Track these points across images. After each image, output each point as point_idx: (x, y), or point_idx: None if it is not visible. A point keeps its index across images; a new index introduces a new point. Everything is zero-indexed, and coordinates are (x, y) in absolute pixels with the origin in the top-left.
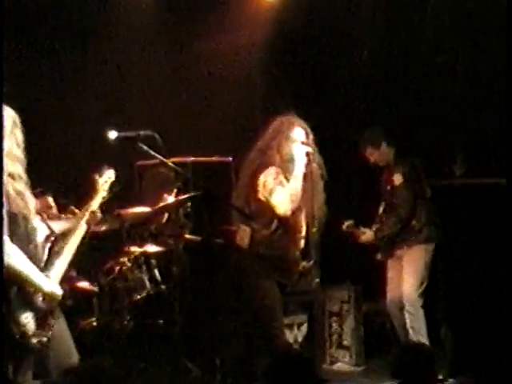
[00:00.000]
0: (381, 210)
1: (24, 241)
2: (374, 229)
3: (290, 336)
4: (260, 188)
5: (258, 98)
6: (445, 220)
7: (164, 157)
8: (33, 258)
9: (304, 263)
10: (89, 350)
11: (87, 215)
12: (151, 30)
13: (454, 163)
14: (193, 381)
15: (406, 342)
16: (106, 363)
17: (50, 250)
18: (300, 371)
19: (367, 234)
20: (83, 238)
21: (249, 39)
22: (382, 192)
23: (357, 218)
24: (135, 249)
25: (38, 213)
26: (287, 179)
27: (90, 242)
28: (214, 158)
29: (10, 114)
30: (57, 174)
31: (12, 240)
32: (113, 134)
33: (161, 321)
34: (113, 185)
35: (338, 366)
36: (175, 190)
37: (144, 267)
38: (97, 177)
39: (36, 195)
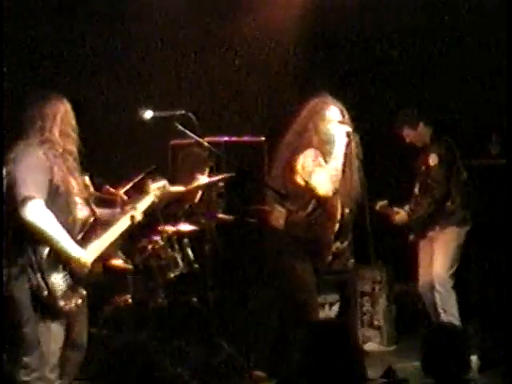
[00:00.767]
0: (416, 190)
1: (63, 212)
2: (407, 209)
3: (321, 315)
4: (299, 170)
5: (292, 77)
6: (480, 202)
7: (199, 136)
8: (71, 229)
9: (338, 244)
10: (124, 326)
11: (131, 213)
12: (184, 9)
13: (490, 143)
14: (226, 358)
15: (435, 324)
16: (145, 341)
17: (90, 228)
18: (338, 337)
19: (401, 215)
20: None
21: (283, 19)
22: (417, 172)
23: (392, 198)
24: (168, 228)
25: (83, 196)
26: (326, 160)
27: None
28: (246, 138)
29: (60, 99)
30: (93, 153)
31: (51, 209)
32: (148, 114)
33: (194, 299)
34: (164, 195)
35: (369, 345)
36: (208, 170)
37: (177, 246)
38: (150, 181)
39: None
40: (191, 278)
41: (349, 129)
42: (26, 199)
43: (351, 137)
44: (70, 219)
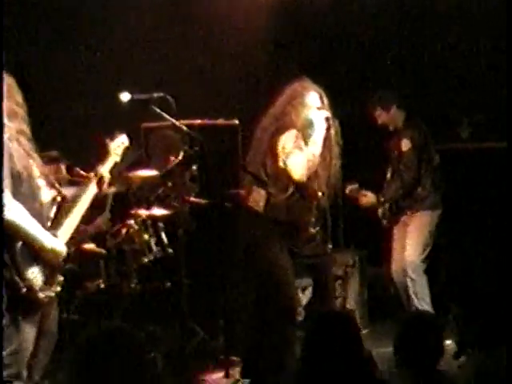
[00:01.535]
0: (388, 175)
1: (29, 198)
2: (377, 193)
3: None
4: (279, 150)
5: (267, 61)
6: (450, 185)
7: (176, 119)
8: (38, 215)
9: (311, 229)
10: (96, 311)
11: (97, 178)
12: None
13: (460, 127)
14: (199, 343)
15: (408, 311)
16: (120, 326)
17: (58, 209)
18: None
19: (368, 197)
20: (93, 201)
21: (259, 2)
22: (389, 157)
23: (366, 183)
24: (142, 212)
25: (45, 175)
26: (306, 143)
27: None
28: (220, 121)
29: (5, 76)
30: (68, 136)
31: (16, 197)
32: (126, 96)
33: (168, 283)
34: (126, 150)
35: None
36: (182, 153)
37: (151, 230)
38: (108, 141)
39: (50, 160)
40: (165, 263)
41: (328, 114)
42: None
43: (330, 122)
44: (37, 205)
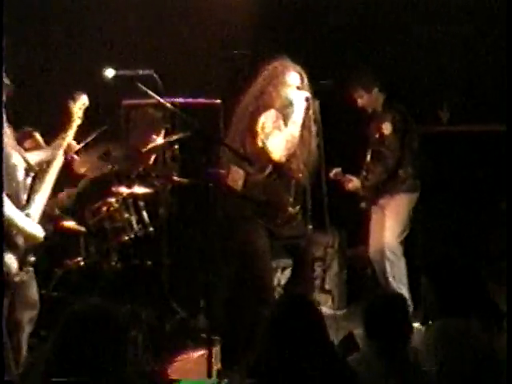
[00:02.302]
0: (368, 158)
1: (6, 180)
2: (360, 177)
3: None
4: (259, 130)
5: (249, 40)
6: (430, 168)
7: (161, 97)
8: (14, 195)
9: (291, 209)
10: (75, 289)
11: (64, 145)
12: None
13: (440, 109)
14: (179, 322)
15: (378, 292)
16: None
17: (31, 186)
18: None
19: (354, 182)
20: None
21: None
22: (369, 140)
23: (343, 165)
24: (123, 190)
25: (19, 150)
26: (285, 123)
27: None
28: (202, 100)
29: None
30: (44, 112)
31: None
32: (110, 73)
33: (148, 262)
34: (86, 110)
35: (320, 309)
36: (163, 131)
37: (132, 208)
38: (71, 103)
39: (24, 134)
40: (146, 241)
41: (308, 94)
42: None
43: (310, 102)
44: (14, 184)
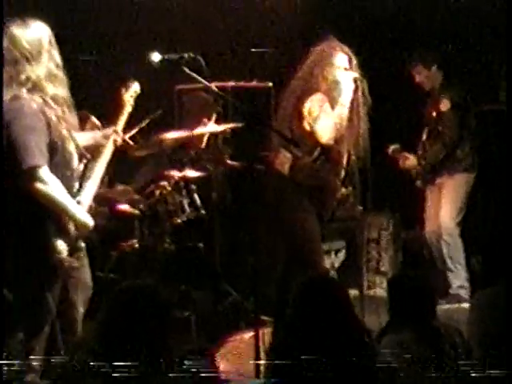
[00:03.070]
0: (424, 136)
1: (62, 167)
2: (417, 155)
3: (326, 262)
4: (305, 114)
5: (300, 22)
6: (488, 148)
7: (207, 81)
8: (69, 183)
9: (343, 190)
10: (131, 271)
11: (115, 133)
12: None
13: (499, 89)
14: (232, 303)
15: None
16: (153, 284)
17: (83, 173)
18: (329, 297)
19: (411, 160)
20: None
21: None
22: (426, 118)
23: (399, 143)
24: (175, 173)
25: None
26: (332, 106)
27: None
28: (254, 83)
29: (45, 31)
30: (97, 98)
31: (51, 168)
32: (156, 57)
33: (201, 244)
34: (137, 98)
35: (375, 291)
36: (215, 115)
37: (184, 192)
38: (123, 91)
39: (81, 116)
40: (198, 224)
41: (356, 75)
42: (32, 169)
43: (358, 83)
44: (68, 173)
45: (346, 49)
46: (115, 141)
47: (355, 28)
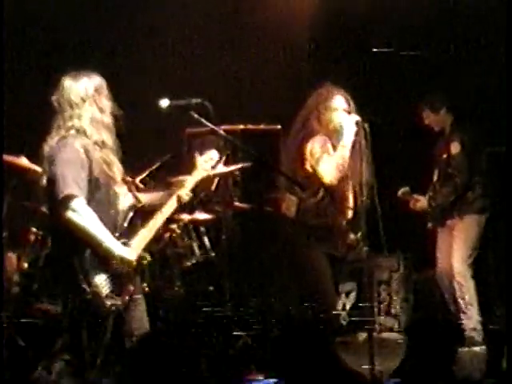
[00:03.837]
0: (435, 177)
1: (104, 205)
2: (427, 197)
3: (338, 303)
4: (307, 156)
5: (308, 66)
6: (499, 190)
7: (214, 125)
8: (111, 222)
9: (352, 236)
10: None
11: (182, 192)
12: (200, 1)
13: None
14: (242, 348)
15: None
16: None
17: (133, 218)
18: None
19: (421, 202)
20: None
21: (298, 9)
22: (436, 159)
23: (408, 184)
24: (185, 216)
25: (126, 182)
26: (334, 147)
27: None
28: (263, 126)
29: (94, 81)
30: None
31: (90, 203)
32: (165, 102)
33: (211, 287)
34: (215, 165)
35: (387, 334)
36: (224, 158)
37: (193, 234)
38: (197, 155)
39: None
40: (208, 267)
41: (358, 118)
42: (66, 198)
43: (359, 125)
44: (112, 211)
45: (343, 92)
46: (179, 197)
47: (365, 71)
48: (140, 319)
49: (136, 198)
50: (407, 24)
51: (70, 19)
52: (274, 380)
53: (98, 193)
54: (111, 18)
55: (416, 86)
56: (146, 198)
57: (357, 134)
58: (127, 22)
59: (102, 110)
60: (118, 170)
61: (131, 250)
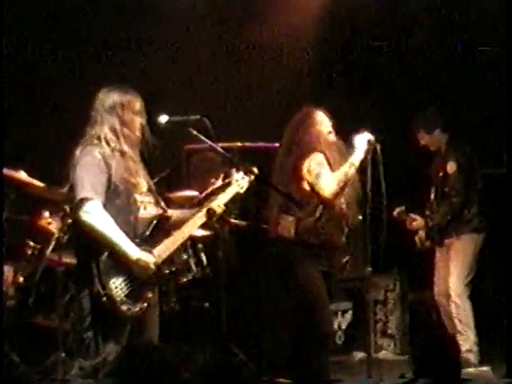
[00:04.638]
0: (432, 196)
1: (123, 211)
2: (424, 216)
3: (334, 322)
4: (305, 174)
5: (307, 84)
6: (494, 210)
7: (213, 141)
8: (130, 229)
9: (348, 253)
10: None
11: (211, 206)
12: (199, 14)
13: (504, 152)
14: (238, 365)
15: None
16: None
17: (158, 228)
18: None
19: (418, 221)
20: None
21: (297, 26)
22: (432, 178)
23: (406, 204)
24: None
25: (153, 192)
26: (330, 165)
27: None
28: (261, 144)
29: (122, 95)
30: None
31: (108, 208)
32: (163, 118)
33: (207, 304)
34: (251, 184)
35: (383, 354)
36: (222, 175)
37: (190, 250)
38: (233, 171)
39: None
40: (204, 283)
41: (371, 136)
42: (83, 200)
43: (371, 143)
44: (131, 218)
45: (325, 112)
46: (209, 211)
47: (362, 89)
48: (153, 328)
49: (163, 208)
50: (401, 49)
51: (68, 32)
52: None
53: (118, 199)
54: (110, 32)
55: (411, 105)
56: (175, 212)
57: (367, 153)
58: (125, 37)
59: (124, 123)
60: (144, 179)
61: (150, 255)
